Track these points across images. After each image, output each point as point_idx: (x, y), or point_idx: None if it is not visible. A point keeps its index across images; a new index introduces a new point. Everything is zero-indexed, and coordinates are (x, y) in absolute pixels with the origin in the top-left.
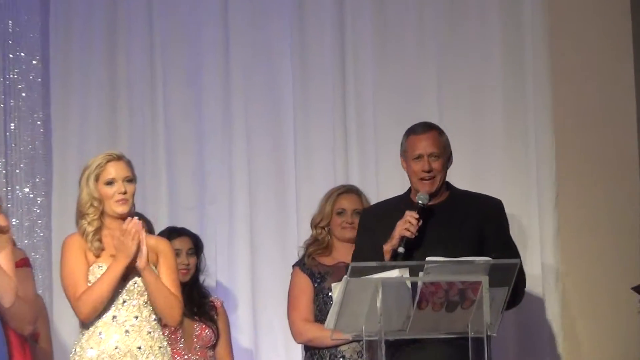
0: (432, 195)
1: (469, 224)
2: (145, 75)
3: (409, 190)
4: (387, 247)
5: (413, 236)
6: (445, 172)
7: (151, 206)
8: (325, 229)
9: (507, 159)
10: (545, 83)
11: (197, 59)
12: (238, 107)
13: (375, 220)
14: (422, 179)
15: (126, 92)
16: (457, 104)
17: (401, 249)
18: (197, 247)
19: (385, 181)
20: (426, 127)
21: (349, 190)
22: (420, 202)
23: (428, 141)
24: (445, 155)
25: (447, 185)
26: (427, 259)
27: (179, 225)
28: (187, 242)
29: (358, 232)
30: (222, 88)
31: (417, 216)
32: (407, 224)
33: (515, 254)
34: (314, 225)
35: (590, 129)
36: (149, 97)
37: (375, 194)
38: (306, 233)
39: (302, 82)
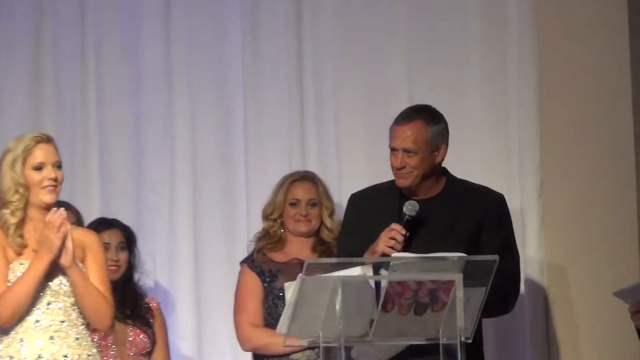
0: (413, 190)
1: (463, 223)
2: (76, 48)
3: None
4: (368, 257)
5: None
6: (430, 165)
7: (81, 195)
8: (278, 221)
9: (486, 143)
10: (530, 57)
11: (135, 31)
12: (180, 83)
13: (363, 209)
14: (396, 173)
15: (53, 69)
16: (430, 81)
17: (384, 272)
18: (129, 240)
19: (348, 167)
20: (410, 116)
21: (304, 177)
22: (407, 213)
23: (405, 134)
24: (426, 150)
25: (445, 174)
26: (393, 255)
27: (113, 216)
28: (117, 234)
29: (343, 223)
30: (163, 62)
31: (403, 232)
32: (392, 242)
33: (514, 260)
34: (265, 216)
35: (580, 110)
36: (80, 74)
37: (337, 183)
38: (257, 226)
39: (253, 55)
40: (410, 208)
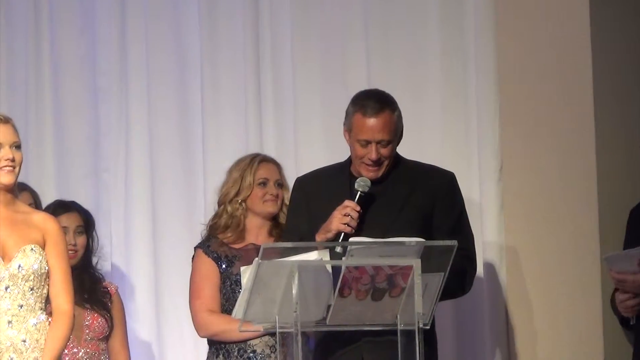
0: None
1: (414, 203)
2: (29, 21)
3: (349, 160)
4: (321, 239)
5: (353, 232)
6: (395, 150)
7: (35, 175)
8: (243, 204)
9: (444, 126)
10: (490, 39)
11: (91, 5)
12: (137, 59)
13: (311, 193)
14: (366, 164)
15: (5, 42)
16: (388, 61)
17: (339, 249)
18: (87, 224)
19: (305, 146)
20: (377, 108)
21: (267, 158)
22: (360, 190)
23: (378, 126)
24: (396, 137)
25: (395, 155)
26: (351, 239)
27: (69, 197)
28: (75, 218)
29: (290, 207)
30: (119, 37)
31: (358, 208)
32: (347, 218)
33: (467, 238)
34: (229, 200)
35: (540, 92)
36: (33, 49)
37: (293, 162)
38: (214, 206)
39: (210, 32)
40: (362, 184)
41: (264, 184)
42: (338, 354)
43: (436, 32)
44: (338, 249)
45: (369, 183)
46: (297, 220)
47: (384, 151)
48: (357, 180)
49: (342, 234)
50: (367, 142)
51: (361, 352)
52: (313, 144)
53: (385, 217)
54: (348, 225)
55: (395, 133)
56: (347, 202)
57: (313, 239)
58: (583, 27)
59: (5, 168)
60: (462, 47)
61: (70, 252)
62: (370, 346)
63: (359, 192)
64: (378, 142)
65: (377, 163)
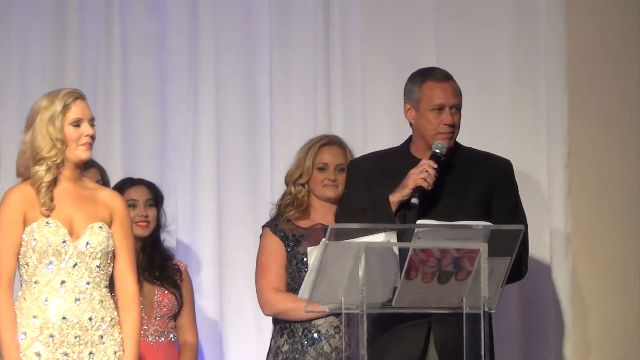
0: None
1: (476, 186)
2: (99, 5)
3: (407, 143)
4: (395, 198)
5: (430, 188)
6: None
7: (102, 153)
8: (306, 186)
9: (513, 112)
10: (560, 26)
11: None
12: (207, 40)
13: (370, 174)
14: (441, 133)
15: (76, 22)
16: (458, 48)
17: (415, 200)
18: (156, 198)
19: (374, 133)
20: (447, 75)
21: (332, 141)
22: (437, 151)
23: (451, 90)
24: (461, 109)
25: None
26: (418, 222)
27: (135, 175)
28: (144, 191)
29: (347, 186)
30: (189, 18)
31: (435, 165)
32: (424, 174)
33: (522, 222)
34: (292, 181)
35: (608, 80)
36: (103, 28)
37: (362, 148)
38: (280, 185)
39: (280, 15)
40: (440, 145)
41: (322, 168)
42: (403, 326)
43: (507, 20)
44: (414, 200)
45: (446, 146)
46: (356, 195)
47: (456, 118)
48: (435, 143)
49: (419, 189)
50: (442, 107)
51: (429, 328)
52: (381, 129)
53: (449, 201)
54: (425, 180)
55: (461, 104)
56: (423, 161)
57: (366, 217)
58: None
59: (85, 144)
60: (532, 36)
61: (142, 223)
62: (438, 324)
63: (436, 152)
64: (451, 107)
65: (451, 131)
